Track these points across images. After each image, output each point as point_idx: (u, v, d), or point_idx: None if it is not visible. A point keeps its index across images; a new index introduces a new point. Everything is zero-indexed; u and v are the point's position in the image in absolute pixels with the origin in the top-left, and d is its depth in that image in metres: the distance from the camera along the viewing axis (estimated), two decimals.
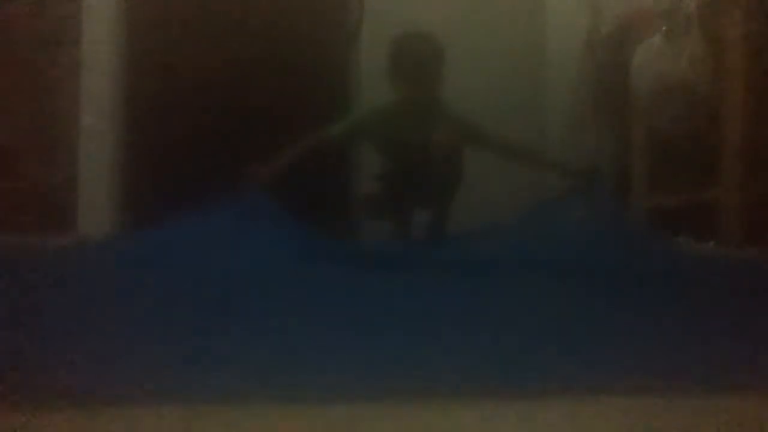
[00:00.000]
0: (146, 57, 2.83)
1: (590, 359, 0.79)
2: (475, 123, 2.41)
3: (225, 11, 2.83)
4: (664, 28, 2.65)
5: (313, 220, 2.06)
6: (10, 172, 2.75)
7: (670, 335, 0.95)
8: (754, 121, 2.17)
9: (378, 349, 0.84)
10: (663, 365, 0.77)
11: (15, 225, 2.61)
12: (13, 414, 0.56)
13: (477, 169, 2.46)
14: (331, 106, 2.67)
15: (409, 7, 3.44)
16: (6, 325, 0.92)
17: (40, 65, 2.78)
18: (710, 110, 2.33)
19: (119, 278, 1.44)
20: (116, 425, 0.55)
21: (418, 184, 2.37)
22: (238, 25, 2.83)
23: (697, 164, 2.43)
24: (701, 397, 0.64)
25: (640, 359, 0.79)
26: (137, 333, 0.92)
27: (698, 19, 2.49)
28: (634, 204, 2.84)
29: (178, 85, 2.78)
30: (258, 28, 2.83)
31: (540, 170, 2.60)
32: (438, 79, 2.35)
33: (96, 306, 1.10)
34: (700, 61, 2.44)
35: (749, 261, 1.94)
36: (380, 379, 0.70)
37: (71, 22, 2.78)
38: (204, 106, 2.77)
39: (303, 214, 2.02)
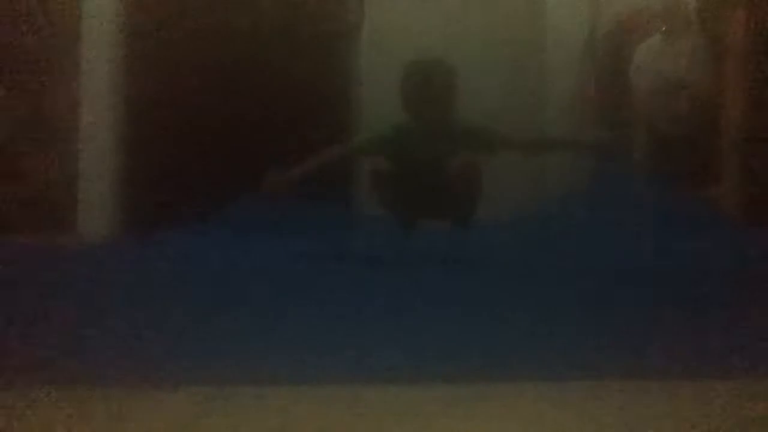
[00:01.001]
0: (146, 57, 2.83)
1: (585, 350, 0.81)
2: (490, 129, 2.46)
3: (225, 13, 2.83)
4: (664, 28, 2.66)
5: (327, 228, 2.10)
6: (10, 172, 2.75)
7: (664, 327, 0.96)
8: (754, 121, 2.17)
9: (378, 337, 0.87)
10: (656, 354, 0.78)
11: (15, 225, 2.60)
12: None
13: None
14: (330, 106, 2.67)
15: (408, 7, 3.44)
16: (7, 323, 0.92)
17: (40, 64, 2.78)
18: (710, 110, 2.33)
19: (132, 275, 1.46)
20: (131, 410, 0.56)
21: (433, 199, 2.42)
22: (238, 27, 2.83)
23: (697, 164, 2.43)
24: (690, 384, 0.66)
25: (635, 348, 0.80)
26: (151, 323, 0.94)
27: (698, 19, 2.49)
28: (635, 203, 2.84)
29: (177, 85, 2.78)
30: (258, 30, 2.83)
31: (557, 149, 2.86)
32: (449, 103, 2.39)
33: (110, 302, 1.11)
34: (700, 61, 2.44)
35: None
36: (379, 363, 0.74)
37: (71, 22, 2.78)
38: (204, 107, 2.77)
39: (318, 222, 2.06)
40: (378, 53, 2.91)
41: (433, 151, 2.38)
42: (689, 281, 1.48)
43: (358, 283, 1.40)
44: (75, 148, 2.81)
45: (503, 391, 0.66)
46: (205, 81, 2.78)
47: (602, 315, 1.09)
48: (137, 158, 2.84)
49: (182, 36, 2.81)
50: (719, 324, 0.97)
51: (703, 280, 1.50)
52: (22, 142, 2.79)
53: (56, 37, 2.78)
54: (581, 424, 0.55)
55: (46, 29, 2.77)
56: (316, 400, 0.63)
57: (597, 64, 3.16)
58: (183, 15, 2.83)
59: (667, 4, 2.66)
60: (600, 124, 3.21)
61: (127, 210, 2.84)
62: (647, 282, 1.46)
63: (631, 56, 2.76)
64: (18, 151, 2.77)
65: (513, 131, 2.55)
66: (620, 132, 3.01)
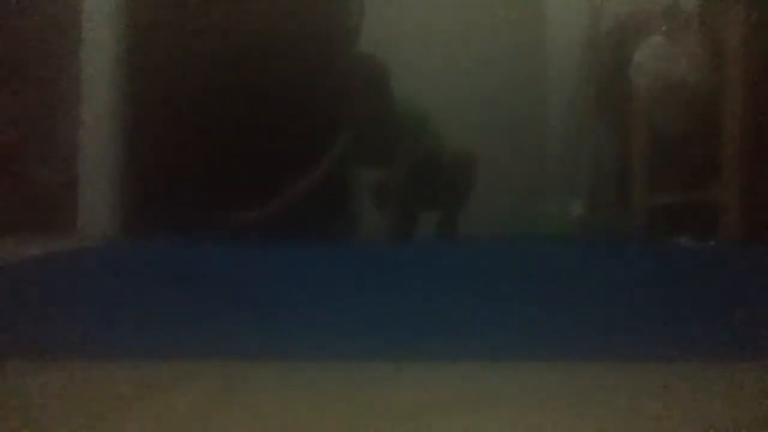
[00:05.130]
0: (146, 57, 2.83)
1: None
2: (434, 127, 2.50)
3: (224, 11, 2.83)
4: (664, 28, 2.65)
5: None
6: (10, 172, 2.75)
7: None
8: (754, 121, 2.17)
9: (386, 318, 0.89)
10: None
11: (15, 225, 2.61)
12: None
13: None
14: (329, 106, 2.67)
15: (408, 8, 3.45)
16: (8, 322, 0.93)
17: (41, 65, 2.78)
18: (710, 110, 2.33)
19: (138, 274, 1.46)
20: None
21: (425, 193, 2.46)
22: (238, 25, 2.82)
23: (697, 164, 2.43)
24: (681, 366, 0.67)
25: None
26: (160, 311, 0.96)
27: (698, 19, 2.49)
28: (634, 204, 2.84)
29: (177, 85, 2.78)
30: (258, 29, 2.83)
31: None
32: (380, 107, 2.39)
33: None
34: (700, 61, 2.44)
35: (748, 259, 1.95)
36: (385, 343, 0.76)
37: (72, 22, 2.78)
38: (203, 106, 2.77)
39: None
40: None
41: (383, 153, 2.43)
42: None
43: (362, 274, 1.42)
44: (75, 148, 2.81)
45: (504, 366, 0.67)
46: (204, 80, 2.78)
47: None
48: (137, 158, 2.84)
49: (180, 35, 2.81)
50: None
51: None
52: (23, 143, 2.80)
53: (57, 39, 2.79)
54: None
55: (47, 30, 2.78)
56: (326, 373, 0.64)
57: (596, 64, 3.16)
58: (179, 14, 2.82)
59: (667, 4, 2.66)
60: (598, 124, 3.21)
61: (126, 210, 2.84)
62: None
63: (631, 56, 2.76)
64: (18, 152, 2.78)
65: (505, 131, 2.58)
66: (619, 133, 3.01)
